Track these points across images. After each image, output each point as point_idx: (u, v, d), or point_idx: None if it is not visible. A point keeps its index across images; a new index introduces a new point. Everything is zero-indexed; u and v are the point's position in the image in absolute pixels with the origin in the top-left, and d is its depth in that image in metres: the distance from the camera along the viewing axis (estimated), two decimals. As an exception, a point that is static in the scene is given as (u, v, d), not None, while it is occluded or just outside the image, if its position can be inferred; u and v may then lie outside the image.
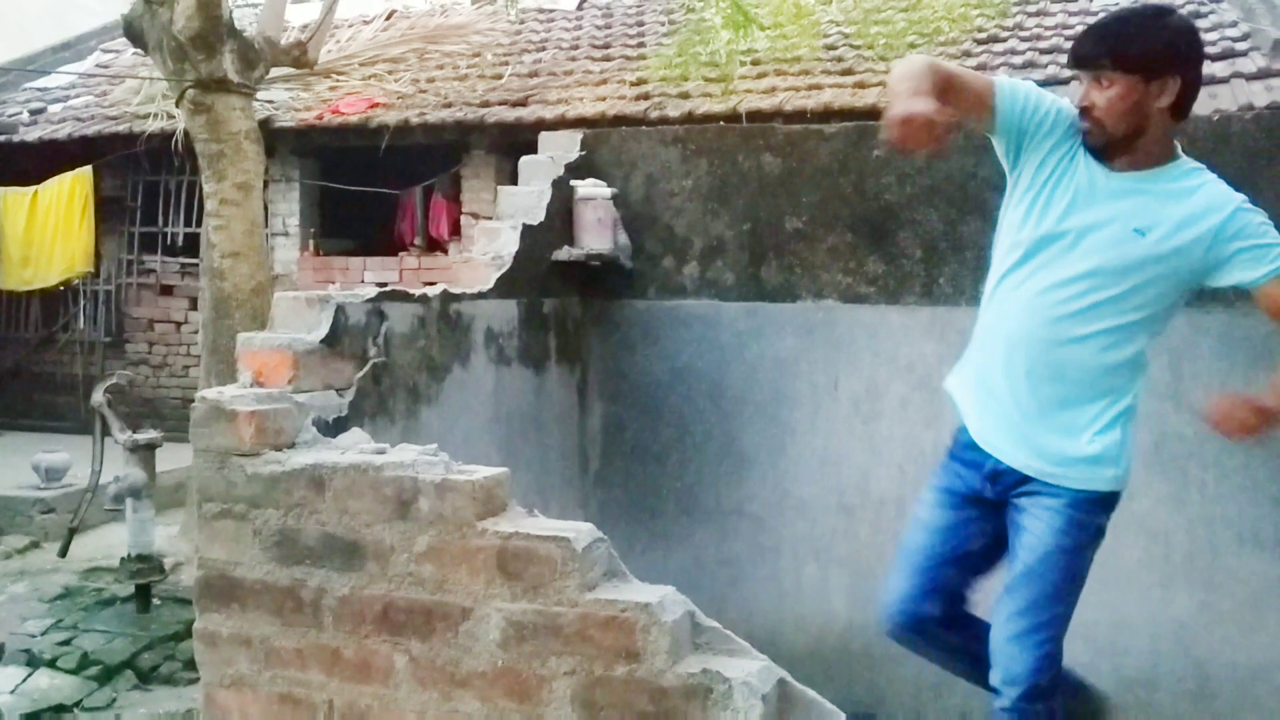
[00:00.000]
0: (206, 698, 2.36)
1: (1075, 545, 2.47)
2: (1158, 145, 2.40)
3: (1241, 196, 2.41)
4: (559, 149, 4.29)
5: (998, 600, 2.51)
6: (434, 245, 10.06)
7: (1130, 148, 2.39)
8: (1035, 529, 2.46)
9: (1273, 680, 3.61)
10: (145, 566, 5.34)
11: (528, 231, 3.88)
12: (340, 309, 2.83)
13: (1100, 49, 2.36)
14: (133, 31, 7.00)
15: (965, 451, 2.58)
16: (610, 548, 2.12)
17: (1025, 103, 2.47)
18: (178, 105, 7.00)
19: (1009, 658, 2.43)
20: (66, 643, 4.95)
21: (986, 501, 2.56)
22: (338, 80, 10.16)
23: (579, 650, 2.03)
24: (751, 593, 4.09)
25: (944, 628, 2.61)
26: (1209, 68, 7.78)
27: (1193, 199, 2.39)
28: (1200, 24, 8.62)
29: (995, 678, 2.45)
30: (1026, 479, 2.48)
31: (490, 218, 4.51)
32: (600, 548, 2.09)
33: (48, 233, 10.24)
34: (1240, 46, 8.07)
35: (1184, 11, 8.81)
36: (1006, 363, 2.46)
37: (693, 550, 4.15)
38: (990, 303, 2.56)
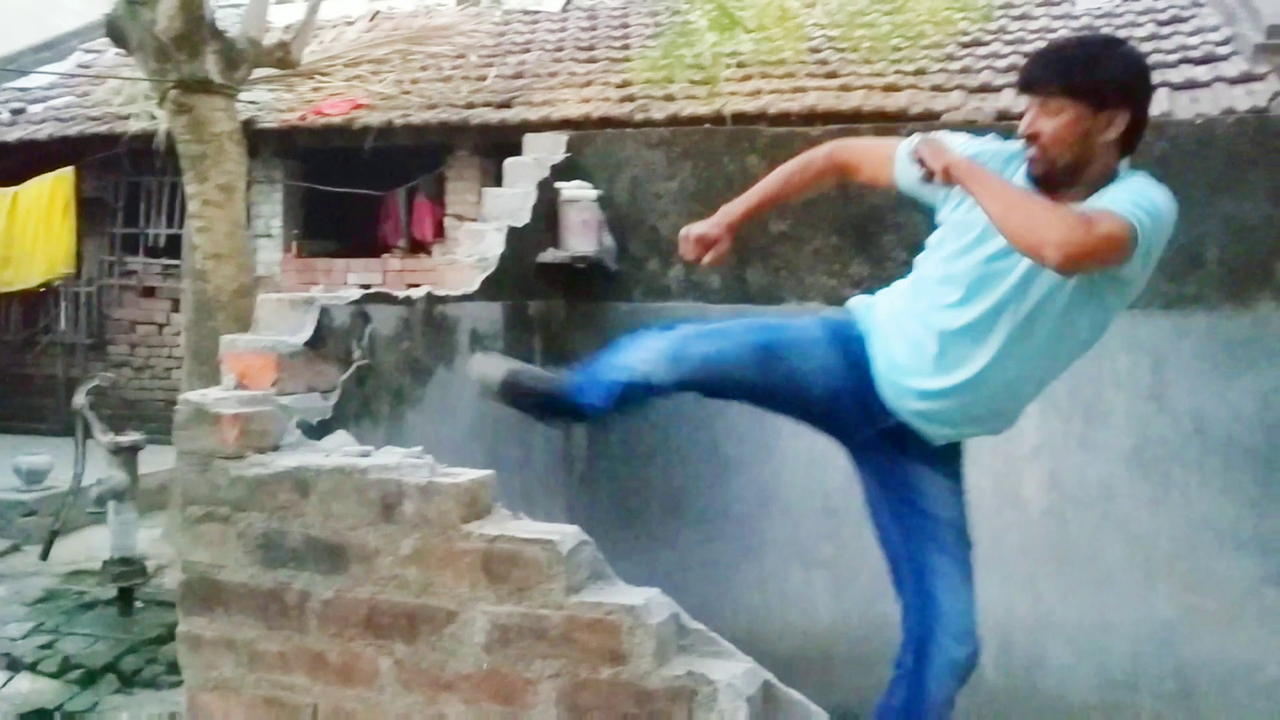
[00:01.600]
0: (190, 701, 2.35)
1: None
2: (1101, 178, 2.32)
3: (1155, 194, 2.24)
4: (544, 151, 4.28)
5: (942, 573, 2.46)
6: (417, 247, 10.04)
7: (1072, 180, 2.31)
8: (957, 490, 2.54)
9: (1253, 680, 3.63)
10: (128, 569, 5.32)
11: (513, 233, 3.88)
12: (325, 311, 2.82)
13: (1051, 72, 2.32)
14: (115, 31, 6.96)
15: (863, 378, 2.53)
16: (595, 550, 2.12)
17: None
18: (160, 106, 6.97)
19: (973, 621, 2.44)
20: (48, 646, 4.93)
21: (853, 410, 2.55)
22: (321, 81, 10.12)
23: (564, 653, 2.03)
24: (737, 595, 4.09)
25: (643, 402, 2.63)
26: (1191, 71, 7.83)
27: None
28: (1182, 28, 8.67)
29: (964, 650, 2.42)
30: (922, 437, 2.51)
31: (474, 220, 4.49)
32: (585, 550, 2.09)
33: (28, 234, 10.15)
34: (1222, 51, 8.12)
35: (1164, 17, 8.92)
36: (943, 374, 2.42)
37: (678, 553, 4.15)
38: (925, 320, 2.46)
